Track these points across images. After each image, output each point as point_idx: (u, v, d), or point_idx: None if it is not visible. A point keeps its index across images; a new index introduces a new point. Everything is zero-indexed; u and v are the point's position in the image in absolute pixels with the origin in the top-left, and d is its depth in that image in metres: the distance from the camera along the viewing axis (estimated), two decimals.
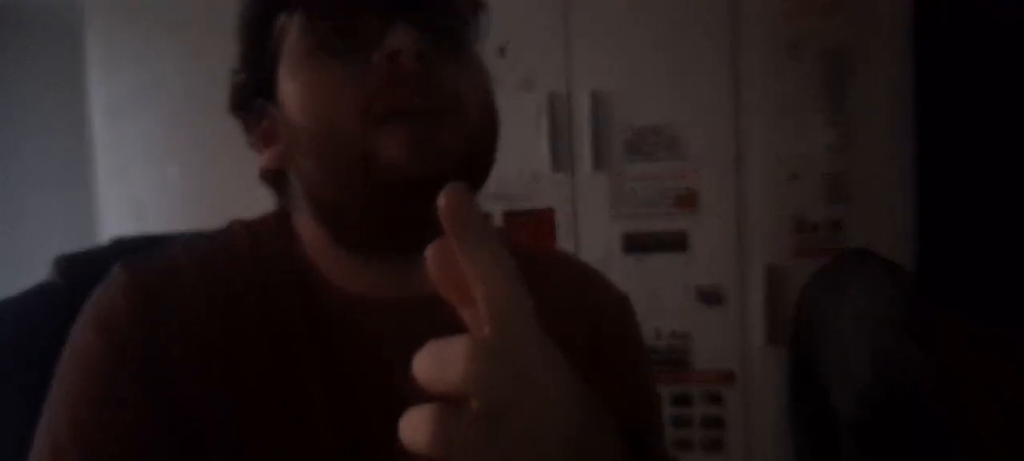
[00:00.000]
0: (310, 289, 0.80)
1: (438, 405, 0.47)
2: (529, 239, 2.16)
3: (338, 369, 0.77)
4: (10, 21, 3.06)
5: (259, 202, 0.88)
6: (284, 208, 0.86)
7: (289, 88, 0.76)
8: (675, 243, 2.26)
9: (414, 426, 0.48)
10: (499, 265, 0.49)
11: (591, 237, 2.23)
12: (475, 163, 0.76)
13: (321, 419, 0.75)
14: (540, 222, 2.21)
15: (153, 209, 2.60)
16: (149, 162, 2.61)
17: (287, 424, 0.73)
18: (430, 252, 0.50)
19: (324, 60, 0.73)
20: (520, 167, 2.19)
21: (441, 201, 0.48)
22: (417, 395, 0.72)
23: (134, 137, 2.61)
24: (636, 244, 2.24)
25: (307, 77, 0.74)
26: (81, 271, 0.94)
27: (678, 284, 2.22)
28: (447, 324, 0.72)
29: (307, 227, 0.82)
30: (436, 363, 0.47)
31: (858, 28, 2.16)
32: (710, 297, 2.24)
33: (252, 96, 0.83)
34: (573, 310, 0.90)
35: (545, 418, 0.49)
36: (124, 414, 0.69)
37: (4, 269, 2.78)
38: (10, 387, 0.94)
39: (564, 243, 2.24)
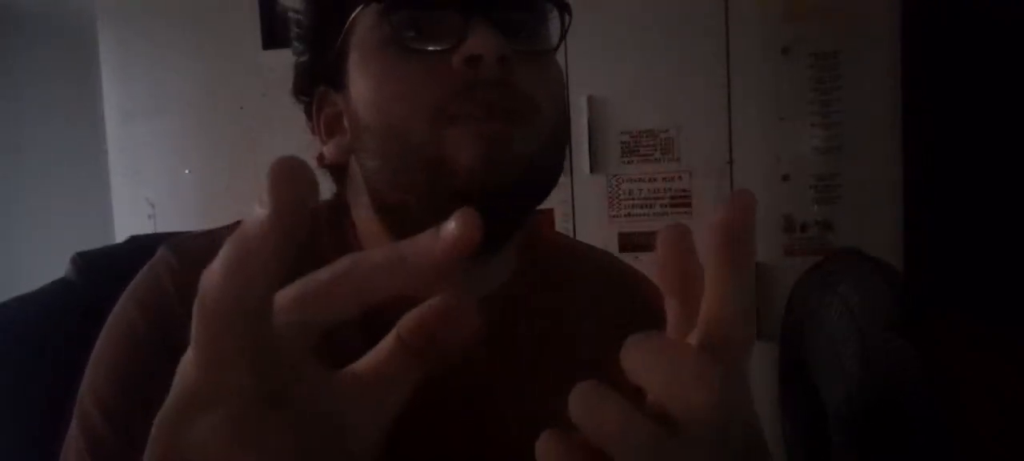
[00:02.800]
0: None
1: (654, 423, 0.40)
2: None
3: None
4: (25, 24, 3.06)
5: None
6: (341, 198, 0.82)
7: (359, 81, 0.72)
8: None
9: (606, 426, 0.41)
10: (745, 289, 0.43)
11: (589, 237, 2.23)
12: (545, 171, 0.73)
13: None
14: (540, 222, 2.21)
15: (167, 210, 2.61)
16: (162, 163, 2.62)
17: None
18: (670, 233, 0.44)
19: (399, 54, 0.70)
20: None
21: (734, 199, 0.42)
22: (464, 394, 0.74)
23: (148, 138, 2.62)
24: (632, 244, 2.26)
25: (380, 71, 0.70)
26: (97, 268, 0.97)
27: None
28: (500, 329, 0.75)
29: (365, 220, 0.78)
30: (669, 367, 0.41)
31: (849, 33, 2.18)
32: None
33: (316, 82, 0.80)
34: (611, 308, 0.88)
35: (742, 446, 0.44)
36: (164, 393, 0.65)
37: (20, 267, 2.79)
38: (28, 382, 0.94)
39: None
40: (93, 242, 1.11)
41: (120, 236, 2.44)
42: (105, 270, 0.86)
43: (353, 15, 0.73)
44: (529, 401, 0.70)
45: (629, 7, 2.27)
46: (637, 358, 0.41)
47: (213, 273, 0.35)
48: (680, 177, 2.27)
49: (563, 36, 0.77)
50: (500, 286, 0.80)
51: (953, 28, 2.19)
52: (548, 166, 0.73)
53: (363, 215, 0.79)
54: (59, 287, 1.00)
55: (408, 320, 0.41)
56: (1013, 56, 2.18)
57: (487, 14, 0.68)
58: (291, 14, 2.18)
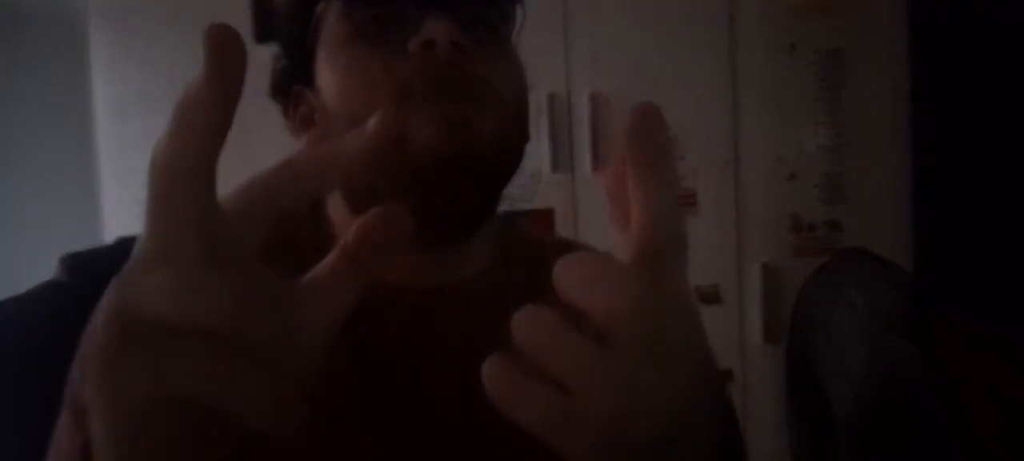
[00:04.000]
0: None
1: (578, 331, 0.43)
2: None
3: (367, 356, 0.77)
4: (14, 21, 3.06)
5: None
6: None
7: (326, 74, 0.76)
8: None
9: (545, 345, 0.43)
10: (668, 195, 0.45)
11: (591, 237, 2.23)
12: (506, 153, 0.75)
13: (350, 405, 0.74)
14: (540, 222, 2.23)
15: None
16: None
17: (315, 409, 0.70)
18: (611, 170, 0.47)
19: (361, 47, 0.74)
20: (520, 167, 2.17)
21: (634, 112, 0.45)
22: (448, 384, 0.75)
23: (138, 137, 2.59)
24: None
25: (343, 64, 0.74)
26: (87, 270, 0.96)
27: None
28: (476, 314, 0.74)
29: (339, 212, 0.82)
30: (592, 281, 0.43)
31: (856, 29, 2.17)
32: (708, 296, 2.25)
33: (290, 82, 0.83)
34: None
35: (687, 359, 0.46)
36: None
37: (8, 268, 2.77)
38: (17, 385, 0.94)
39: None
40: (82, 243, 1.12)
41: (110, 236, 2.41)
42: (95, 271, 0.80)
43: (318, 11, 0.77)
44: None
45: (632, 4, 2.26)
46: (566, 276, 0.43)
47: (161, 137, 0.39)
48: (684, 176, 2.25)
49: (520, 27, 0.80)
50: (471, 275, 0.82)
51: (961, 25, 2.18)
52: (507, 149, 0.75)
53: (336, 206, 0.82)
54: (49, 289, 1.00)
55: (350, 232, 0.44)
56: (1022, 53, 2.16)
57: (443, 6, 0.71)
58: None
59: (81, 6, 2.69)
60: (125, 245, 0.91)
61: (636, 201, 0.45)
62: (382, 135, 0.42)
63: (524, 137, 0.79)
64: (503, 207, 0.81)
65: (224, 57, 0.39)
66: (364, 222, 0.44)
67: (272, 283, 0.41)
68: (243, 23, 2.40)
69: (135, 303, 0.38)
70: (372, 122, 0.42)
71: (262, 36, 2.34)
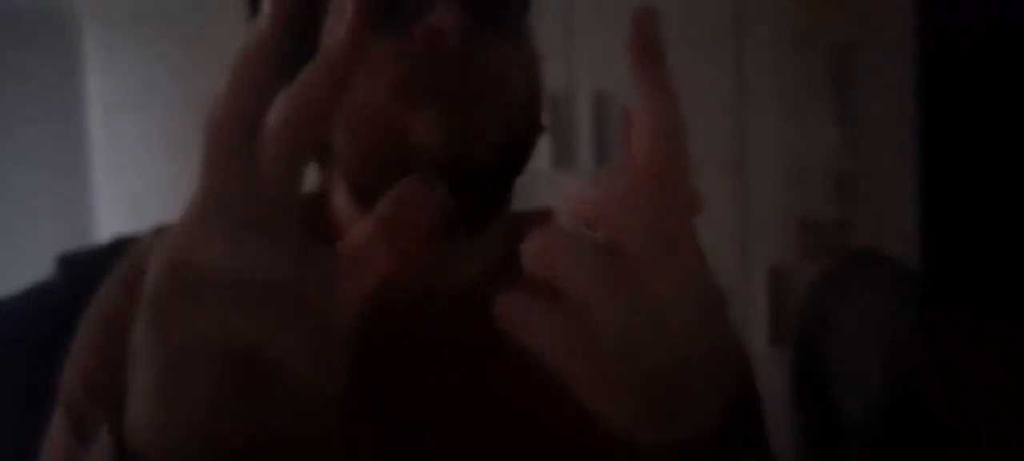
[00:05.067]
0: None
1: (592, 241, 0.45)
2: None
3: (369, 354, 0.74)
4: (6, 18, 3.06)
5: None
6: (323, 188, 0.84)
7: None
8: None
9: (556, 258, 0.45)
10: (672, 112, 0.47)
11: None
12: (513, 150, 0.74)
13: (351, 401, 0.72)
14: (540, 217, 2.20)
15: (150, 207, 2.57)
16: (146, 160, 2.60)
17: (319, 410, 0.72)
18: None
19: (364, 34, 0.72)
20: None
21: (632, 19, 0.48)
22: (454, 383, 0.77)
23: (131, 135, 2.60)
24: None
25: None
26: (81, 269, 0.96)
27: None
28: (479, 311, 0.72)
29: (343, 207, 0.80)
30: (602, 192, 0.46)
31: (864, 24, 2.16)
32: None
33: (296, 67, 0.81)
34: None
35: (695, 279, 0.47)
36: None
37: (2, 267, 2.78)
38: (10, 385, 0.96)
39: None
40: (75, 241, 1.12)
41: (102, 235, 2.45)
42: (89, 271, 0.85)
43: None
44: (497, 383, 0.76)
45: (635, 1, 2.23)
46: (573, 195, 0.47)
47: (217, 94, 0.41)
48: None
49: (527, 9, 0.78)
50: (479, 272, 0.80)
51: (972, 21, 2.18)
52: (515, 145, 0.74)
53: (340, 200, 0.80)
54: (42, 288, 1.02)
55: (384, 203, 0.44)
56: None
57: None
58: None
59: (74, 5, 2.70)
60: (120, 244, 0.97)
61: (642, 115, 0.47)
62: (359, 16, 0.44)
63: (535, 129, 0.77)
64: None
65: (283, 16, 0.42)
66: (398, 191, 0.44)
67: (313, 242, 0.43)
68: (237, 24, 2.39)
69: (188, 254, 0.40)
70: (348, 11, 0.44)
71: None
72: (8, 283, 1.03)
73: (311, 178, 0.84)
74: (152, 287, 0.41)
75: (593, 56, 2.25)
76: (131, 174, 2.60)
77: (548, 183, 2.00)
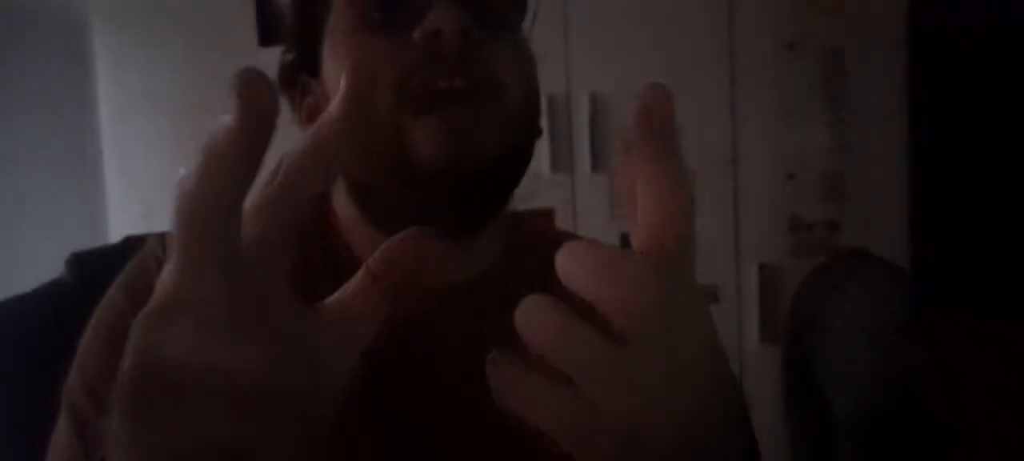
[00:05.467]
0: (342, 270, 0.74)
1: (592, 326, 0.41)
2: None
3: (373, 359, 0.74)
4: (18, 23, 3.06)
5: None
6: (325, 188, 0.80)
7: (330, 63, 0.74)
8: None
9: (554, 341, 0.41)
10: (677, 186, 0.42)
11: (590, 236, 2.23)
12: (513, 153, 0.73)
13: (356, 409, 0.73)
14: (535, 218, 2.21)
15: (161, 209, 2.59)
16: (157, 163, 2.61)
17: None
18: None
19: (365, 36, 0.71)
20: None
21: (643, 94, 0.42)
22: (456, 385, 0.75)
23: (142, 138, 2.61)
24: None
25: (347, 51, 0.72)
26: (92, 269, 0.96)
27: None
28: (479, 312, 0.74)
29: (343, 207, 0.80)
30: (601, 271, 0.41)
31: (855, 29, 2.18)
32: (707, 296, 2.25)
33: (297, 73, 0.81)
34: None
35: (704, 367, 0.44)
36: None
37: (14, 267, 2.77)
38: (22, 383, 0.95)
39: None
40: (87, 242, 1.13)
41: (114, 236, 2.43)
42: (100, 271, 0.85)
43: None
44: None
45: (632, 3, 2.27)
46: (571, 265, 0.42)
47: (187, 179, 0.38)
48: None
49: (534, 16, 0.79)
50: (480, 273, 0.80)
51: (961, 25, 2.18)
52: (513, 147, 0.73)
53: (341, 201, 0.80)
54: (54, 288, 1.01)
55: (378, 255, 0.41)
56: (1021, 54, 2.17)
57: None
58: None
59: (84, 8, 2.70)
60: (130, 244, 0.96)
61: (646, 192, 0.43)
62: (351, 95, 0.42)
63: (533, 132, 0.77)
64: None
65: (255, 106, 0.38)
66: (391, 245, 0.42)
67: (298, 317, 0.40)
68: (246, 26, 2.41)
69: (161, 350, 0.37)
70: (340, 89, 0.42)
71: (266, 39, 2.36)
72: (21, 283, 1.03)
73: None
74: (125, 378, 0.38)
75: (590, 59, 2.27)
76: (141, 175, 2.62)
77: (547, 184, 2.03)
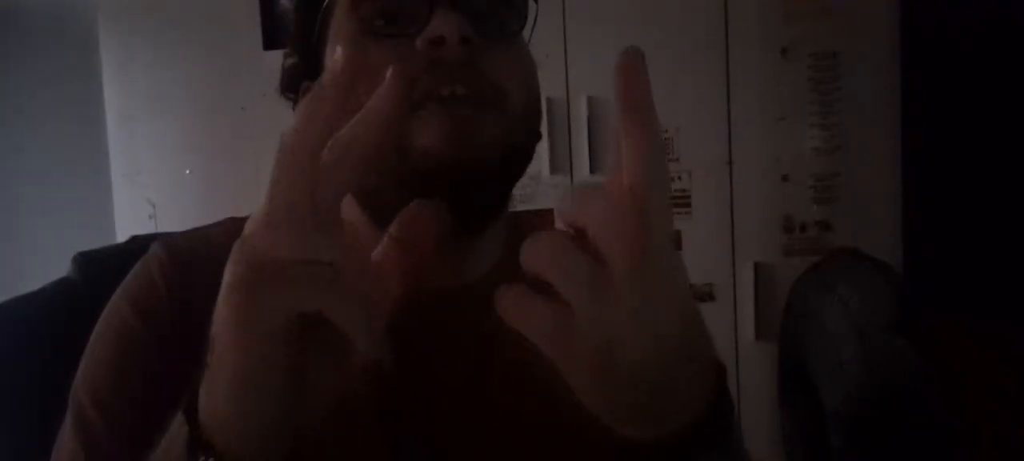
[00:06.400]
0: None
1: (580, 249, 0.48)
2: None
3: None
4: (26, 26, 3.07)
5: None
6: None
7: None
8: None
9: (548, 261, 0.48)
10: (655, 139, 0.49)
11: None
12: (513, 156, 0.73)
13: (361, 408, 0.73)
14: (536, 219, 2.20)
15: (167, 210, 2.63)
16: (163, 163, 2.63)
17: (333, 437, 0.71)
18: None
19: (367, 42, 0.70)
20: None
21: (620, 55, 0.49)
22: (458, 384, 0.78)
23: (148, 139, 2.63)
24: None
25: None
26: (99, 269, 0.98)
27: None
28: (480, 313, 0.72)
29: (348, 210, 0.75)
30: (590, 203, 0.48)
31: (848, 33, 2.18)
32: (702, 294, 2.28)
33: (300, 78, 0.81)
34: None
35: (672, 291, 0.49)
36: (157, 391, 0.64)
37: (22, 267, 2.78)
38: (29, 381, 0.95)
39: None
40: (94, 242, 1.12)
41: (121, 236, 2.43)
42: (106, 270, 0.86)
43: (326, 5, 0.75)
44: (497, 379, 0.77)
45: (629, 7, 2.28)
46: (568, 204, 0.49)
47: (291, 125, 0.49)
48: (679, 177, 2.28)
49: (533, 22, 0.78)
50: (482, 275, 0.80)
51: (952, 28, 2.20)
52: (513, 150, 0.73)
53: (346, 208, 0.78)
54: (60, 287, 1.01)
55: (395, 225, 0.55)
56: (1012, 56, 2.19)
57: (453, 1, 0.69)
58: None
59: (91, 8, 2.72)
60: (136, 244, 0.97)
61: (627, 142, 0.48)
62: (396, 85, 0.52)
63: (533, 136, 0.77)
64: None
65: (345, 75, 0.50)
66: (405, 213, 0.56)
67: (355, 248, 0.51)
68: (252, 28, 2.43)
69: (265, 250, 0.48)
70: (387, 81, 0.52)
71: (270, 43, 2.37)
72: (29, 283, 1.03)
73: None
74: (234, 278, 0.49)
75: (589, 63, 2.28)
76: (147, 176, 2.64)
77: (546, 186, 2.04)
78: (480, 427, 0.77)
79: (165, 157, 2.63)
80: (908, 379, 1.47)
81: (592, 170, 2.28)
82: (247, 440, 0.52)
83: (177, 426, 0.56)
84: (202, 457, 0.53)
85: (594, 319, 0.47)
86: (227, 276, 0.49)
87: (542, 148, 2.23)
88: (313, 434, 0.67)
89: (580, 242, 0.48)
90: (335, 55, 0.51)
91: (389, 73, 0.52)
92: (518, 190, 0.79)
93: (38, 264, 1.45)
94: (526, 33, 0.78)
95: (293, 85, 0.83)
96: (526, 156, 0.76)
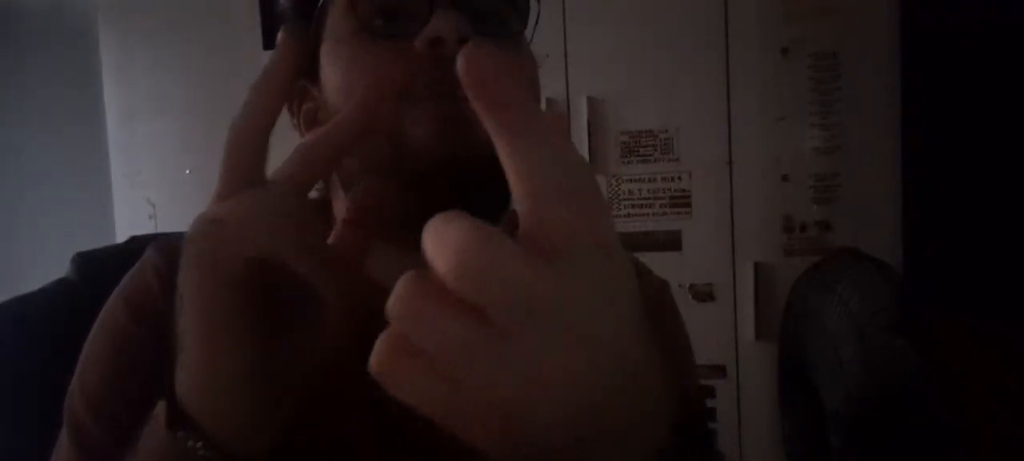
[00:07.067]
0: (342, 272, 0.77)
1: (460, 314, 0.38)
2: None
3: (366, 354, 0.73)
4: (26, 25, 3.07)
5: None
6: (324, 194, 0.82)
7: (329, 69, 0.72)
8: (669, 243, 2.30)
9: (422, 329, 0.39)
10: (543, 148, 0.40)
11: None
12: None
13: (350, 404, 0.73)
14: None
15: (167, 210, 2.64)
16: (163, 163, 2.63)
17: (318, 409, 0.70)
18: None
19: (365, 41, 0.70)
20: None
21: (460, 66, 0.40)
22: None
23: (148, 139, 2.64)
24: (632, 244, 2.26)
25: (348, 57, 0.70)
26: (98, 269, 0.97)
27: (672, 282, 2.19)
28: None
29: (343, 211, 0.75)
30: (459, 255, 0.38)
31: (848, 33, 2.19)
32: (703, 294, 2.28)
33: (295, 77, 0.77)
34: None
35: (588, 336, 0.40)
36: (153, 395, 0.61)
37: (21, 267, 2.79)
38: (28, 381, 0.95)
39: None
40: (94, 242, 1.11)
41: (121, 236, 2.44)
42: (105, 270, 0.85)
43: (322, 4, 0.74)
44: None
45: (629, 8, 2.28)
46: (430, 247, 0.39)
47: (239, 111, 0.55)
48: (680, 177, 2.28)
49: (535, 22, 0.77)
50: None
51: (952, 28, 2.20)
52: None
53: (340, 208, 0.78)
54: (60, 287, 1.01)
55: (348, 207, 0.58)
56: (1011, 56, 2.19)
57: (451, 0, 0.68)
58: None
59: (91, 9, 2.73)
60: (136, 244, 0.97)
61: (512, 173, 0.41)
62: (365, 106, 0.56)
63: None
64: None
65: (285, 53, 0.56)
66: (353, 194, 0.59)
67: (312, 221, 0.54)
68: (252, 28, 2.43)
69: (214, 213, 0.52)
70: (357, 98, 0.56)
71: (270, 43, 2.37)
72: (29, 283, 1.02)
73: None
74: (192, 232, 0.52)
75: (589, 64, 2.29)
76: (147, 176, 2.65)
77: None
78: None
79: (165, 157, 2.64)
80: (908, 379, 1.47)
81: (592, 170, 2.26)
82: (224, 414, 0.54)
83: (159, 408, 0.56)
84: (181, 432, 0.54)
85: (488, 397, 0.39)
86: (186, 238, 0.53)
87: None
88: (305, 431, 0.67)
89: (457, 303, 0.38)
90: (278, 39, 0.55)
91: (362, 90, 0.56)
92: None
93: (38, 264, 1.45)
94: (528, 33, 0.77)
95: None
96: None
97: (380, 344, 0.41)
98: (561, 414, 0.40)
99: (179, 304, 0.53)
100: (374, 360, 0.42)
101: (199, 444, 0.54)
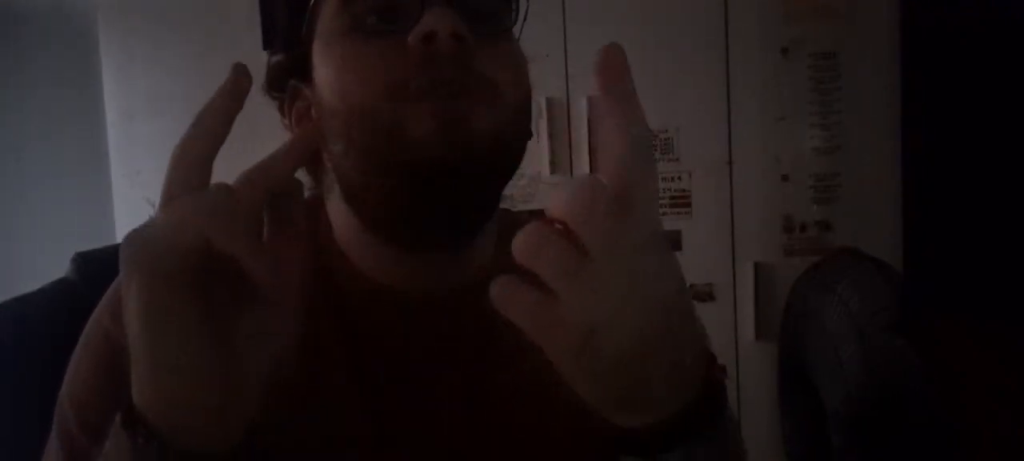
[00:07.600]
0: (338, 278, 0.78)
1: (566, 241, 0.50)
2: None
3: (363, 360, 0.76)
4: (26, 24, 3.07)
5: None
6: (318, 195, 0.81)
7: (322, 67, 0.72)
8: (669, 242, 2.28)
9: (536, 253, 0.50)
10: (639, 127, 0.52)
11: None
12: (506, 151, 0.71)
13: (344, 408, 0.74)
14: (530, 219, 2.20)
15: None
16: (163, 163, 2.59)
17: (310, 412, 0.73)
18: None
19: (358, 40, 0.69)
20: (519, 169, 2.15)
21: (601, 51, 0.52)
22: (451, 387, 0.78)
23: (148, 139, 2.63)
24: None
25: (339, 56, 0.70)
26: (97, 269, 0.97)
27: None
28: (472, 322, 0.74)
29: (339, 213, 0.78)
30: (574, 196, 0.50)
31: (848, 33, 2.19)
32: (703, 294, 2.28)
33: (286, 77, 0.79)
34: None
35: (656, 283, 0.52)
36: None
37: (21, 267, 2.78)
38: (27, 381, 0.95)
39: None
40: (94, 242, 1.12)
41: (121, 236, 2.42)
42: (105, 270, 0.82)
43: (313, 2, 0.73)
44: (490, 379, 0.78)
45: (629, 8, 2.28)
46: (556, 196, 0.51)
47: (184, 135, 0.58)
48: (680, 177, 2.29)
49: (523, 18, 0.77)
50: (476, 274, 0.78)
51: (952, 28, 2.20)
52: (507, 146, 0.71)
53: (336, 207, 0.78)
54: (59, 287, 1.02)
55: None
56: (1011, 56, 2.19)
57: None
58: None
59: (91, 8, 2.72)
60: None
61: (610, 133, 0.51)
62: (297, 149, 0.64)
63: (525, 134, 0.75)
64: (503, 207, 0.79)
65: (236, 89, 0.59)
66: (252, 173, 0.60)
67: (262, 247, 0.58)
68: (252, 28, 2.43)
69: (151, 230, 0.54)
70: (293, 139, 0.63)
71: (269, 43, 2.37)
72: (29, 283, 1.03)
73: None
74: (125, 242, 0.54)
75: (589, 63, 2.26)
76: (147, 175, 2.64)
77: (546, 186, 2.03)
78: (475, 426, 0.77)
79: (165, 157, 2.55)
80: (908, 379, 1.46)
81: (592, 170, 2.23)
82: (174, 408, 0.55)
83: (119, 417, 0.57)
84: (139, 431, 0.55)
85: (577, 307, 0.50)
86: (121, 245, 0.55)
87: (542, 148, 2.25)
88: (296, 434, 0.70)
89: (567, 234, 0.50)
90: (230, 73, 0.59)
91: (297, 132, 0.64)
92: (519, 190, 0.77)
93: (38, 264, 1.45)
94: (516, 30, 0.77)
95: (279, 84, 0.81)
96: (518, 152, 0.74)
97: (502, 278, 0.52)
98: (635, 340, 0.51)
99: (124, 307, 0.55)
100: (494, 289, 0.52)
101: (154, 443, 0.54)
